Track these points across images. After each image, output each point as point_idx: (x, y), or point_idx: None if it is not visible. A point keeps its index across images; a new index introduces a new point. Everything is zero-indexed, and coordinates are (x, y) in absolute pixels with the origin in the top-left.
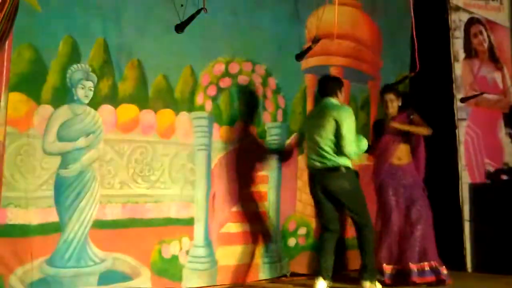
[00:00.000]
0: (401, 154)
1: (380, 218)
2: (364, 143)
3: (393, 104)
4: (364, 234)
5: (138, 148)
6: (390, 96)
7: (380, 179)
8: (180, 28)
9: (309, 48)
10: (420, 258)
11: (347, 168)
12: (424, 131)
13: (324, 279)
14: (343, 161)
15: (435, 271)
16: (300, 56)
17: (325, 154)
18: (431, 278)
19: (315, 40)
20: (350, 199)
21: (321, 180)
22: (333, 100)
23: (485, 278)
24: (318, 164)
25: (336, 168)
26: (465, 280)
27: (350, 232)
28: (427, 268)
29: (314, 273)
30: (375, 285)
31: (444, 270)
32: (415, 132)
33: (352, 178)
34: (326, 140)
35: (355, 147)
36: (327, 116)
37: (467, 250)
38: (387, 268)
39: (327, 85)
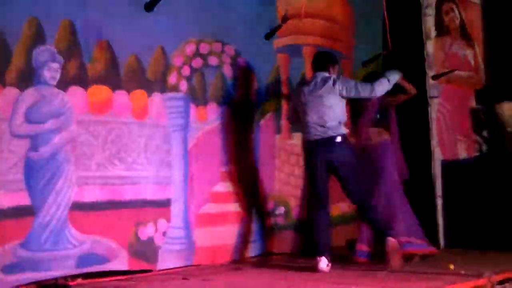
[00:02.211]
0: (372, 134)
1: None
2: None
3: None
4: (369, 213)
5: (113, 129)
6: None
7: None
8: (149, 6)
9: (278, 27)
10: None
11: (345, 138)
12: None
13: (326, 256)
14: (342, 131)
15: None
16: (269, 35)
17: (327, 124)
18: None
19: (284, 19)
20: (351, 171)
21: (323, 151)
22: (325, 74)
23: (457, 253)
24: (319, 134)
25: (336, 138)
26: (436, 255)
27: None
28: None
29: (311, 252)
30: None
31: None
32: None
33: (351, 149)
34: (330, 111)
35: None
36: (324, 86)
37: (439, 226)
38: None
39: (320, 59)
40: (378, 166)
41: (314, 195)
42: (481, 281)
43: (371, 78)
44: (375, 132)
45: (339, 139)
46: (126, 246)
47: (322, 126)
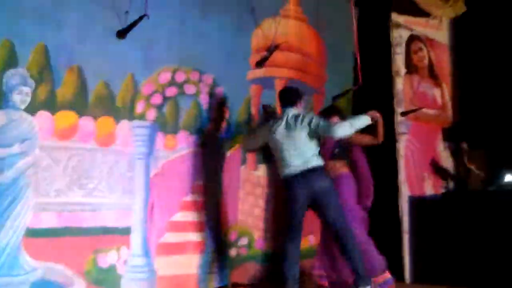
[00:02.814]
0: (334, 165)
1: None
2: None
3: (334, 118)
4: (347, 239)
5: (75, 155)
6: (333, 119)
7: None
8: (121, 34)
9: (266, 57)
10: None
11: (323, 169)
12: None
13: None
14: (320, 162)
15: None
16: (259, 64)
17: (306, 155)
18: None
19: (271, 49)
20: (331, 199)
21: (304, 183)
22: (294, 110)
23: None
24: (299, 167)
25: (315, 169)
26: None
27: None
28: None
29: (279, 283)
30: None
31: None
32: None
33: (330, 180)
34: (304, 143)
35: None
36: (296, 122)
37: (405, 261)
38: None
39: (289, 95)
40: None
41: (289, 227)
42: None
43: (327, 112)
44: (333, 165)
45: (319, 169)
46: (83, 273)
47: (301, 159)
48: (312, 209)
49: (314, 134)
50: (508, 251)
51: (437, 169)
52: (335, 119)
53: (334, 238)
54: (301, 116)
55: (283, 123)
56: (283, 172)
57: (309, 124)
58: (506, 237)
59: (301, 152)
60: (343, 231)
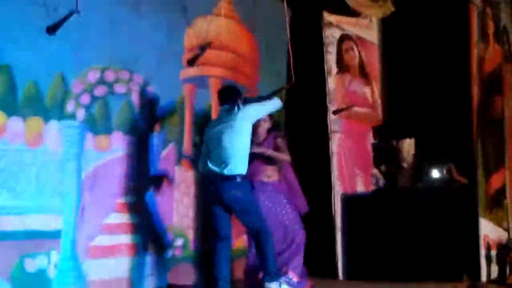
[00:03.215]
0: (270, 173)
1: None
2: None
3: (264, 124)
4: (264, 238)
5: (2, 157)
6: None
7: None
8: (51, 30)
9: (198, 55)
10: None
11: (243, 177)
12: (283, 157)
13: None
14: (240, 171)
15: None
16: (191, 62)
17: (225, 162)
18: None
19: (204, 47)
20: (245, 207)
21: (216, 187)
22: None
23: (355, 285)
24: (216, 169)
25: (231, 177)
26: (335, 287)
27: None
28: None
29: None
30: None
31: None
32: (273, 158)
33: (246, 188)
34: (231, 149)
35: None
36: (229, 124)
37: (338, 258)
38: None
39: (228, 93)
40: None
41: (212, 227)
42: None
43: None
44: (273, 170)
45: (234, 177)
46: (9, 278)
47: (220, 161)
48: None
49: (250, 121)
50: (435, 246)
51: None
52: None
53: (254, 240)
54: (235, 117)
55: (220, 121)
56: (201, 167)
57: (249, 108)
58: (433, 233)
59: (224, 153)
60: (260, 235)
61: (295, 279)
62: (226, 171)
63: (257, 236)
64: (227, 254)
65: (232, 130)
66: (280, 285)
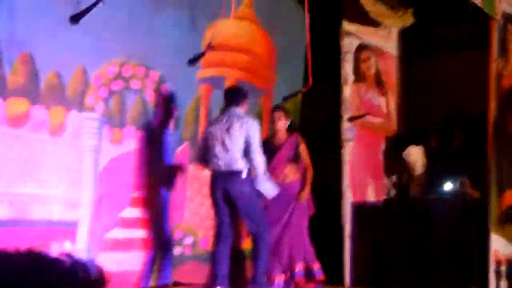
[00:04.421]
0: (288, 172)
1: None
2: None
3: (281, 122)
4: (259, 244)
5: (27, 145)
6: (279, 114)
7: None
8: (75, 18)
9: (202, 54)
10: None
11: (249, 172)
12: (311, 175)
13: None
14: (246, 165)
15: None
16: (192, 62)
17: (232, 157)
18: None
19: (208, 47)
20: (248, 205)
21: (223, 183)
22: (239, 110)
23: None
24: (222, 166)
25: (239, 172)
26: None
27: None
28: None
29: (209, 282)
30: None
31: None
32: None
33: (252, 183)
34: (234, 144)
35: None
36: (236, 122)
37: (345, 266)
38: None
39: (234, 94)
40: (291, 204)
41: (216, 225)
42: None
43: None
44: (291, 170)
45: (241, 172)
46: None
47: (226, 158)
48: (233, 210)
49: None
50: (444, 258)
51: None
52: (280, 114)
53: (252, 241)
54: (244, 120)
55: (224, 119)
56: (209, 167)
57: (246, 137)
58: (443, 243)
59: (229, 151)
60: (258, 239)
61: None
62: (234, 166)
63: (255, 239)
64: (227, 252)
65: (239, 126)
66: None
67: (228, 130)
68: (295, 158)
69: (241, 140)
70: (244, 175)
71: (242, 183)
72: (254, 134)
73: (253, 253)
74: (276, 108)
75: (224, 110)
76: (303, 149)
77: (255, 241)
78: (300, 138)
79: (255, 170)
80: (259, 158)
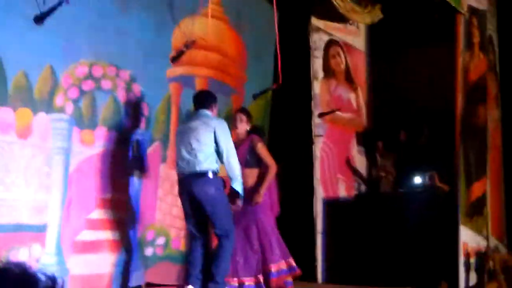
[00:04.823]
0: (247, 177)
1: None
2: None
3: (242, 124)
4: (225, 244)
5: None
6: (241, 116)
7: None
8: (39, 19)
9: (182, 52)
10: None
11: (215, 174)
12: (271, 175)
13: (194, 286)
14: (212, 166)
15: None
16: (174, 59)
17: (197, 159)
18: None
19: (188, 45)
20: (214, 206)
21: (189, 185)
22: (208, 113)
23: None
24: (187, 169)
25: (204, 173)
26: None
27: None
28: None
29: (184, 281)
30: None
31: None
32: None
33: (218, 185)
34: (201, 146)
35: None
36: (205, 124)
37: (318, 262)
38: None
39: (204, 98)
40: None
41: (188, 226)
42: None
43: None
44: (251, 174)
45: (206, 174)
46: None
47: (191, 160)
48: (201, 212)
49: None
50: (415, 252)
51: (352, 169)
52: (242, 116)
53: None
54: (212, 123)
55: (192, 122)
56: (176, 167)
57: (215, 139)
58: (413, 239)
59: (193, 154)
60: (223, 239)
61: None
62: (197, 168)
63: (220, 239)
64: (201, 252)
65: (204, 128)
66: None
67: (194, 132)
68: (257, 162)
69: (209, 143)
70: (210, 176)
71: (205, 185)
72: (223, 136)
73: (216, 252)
74: (240, 110)
75: (193, 114)
76: (260, 149)
77: (221, 241)
78: (256, 139)
79: (231, 173)
80: (233, 160)
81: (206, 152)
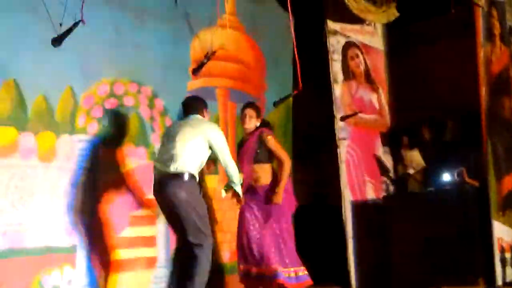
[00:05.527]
0: (260, 173)
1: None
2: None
3: (251, 120)
4: (197, 256)
5: (17, 173)
6: (250, 112)
7: None
8: (57, 41)
9: (203, 63)
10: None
11: (191, 176)
12: (286, 172)
13: None
14: (190, 169)
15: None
16: (195, 71)
17: (175, 160)
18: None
19: (209, 56)
20: (184, 210)
21: (162, 186)
22: (200, 117)
23: None
24: (162, 169)
25: (178, 175)
26: None
27: (231, 257)
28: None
29: None
30: None
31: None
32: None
33: (192, 189)
34: (184, 148)
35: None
36: (193, 128)
37: (351, 267)
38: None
39: (194, 103)
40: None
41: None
42: None
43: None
44: (256, 171)
45: (179, 176)
46: None
47: (167, 162)
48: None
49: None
50: (449, 251)
51: (381, 167)
52: (251, 112)
53: (187, 250)
54: (206, 127)
55: (182, 123)
56: (153, 167)
57: (209, 145)
58: (446, 237)
59: (175, 153)
60: (194, 247)
61: None
62: (172, 168)
63: (194, 249)
64: (177, 255)
65: (190, 131)
66: None
67: (179, 135)
68: (268, 157)
69: (193, 146)
70: (185, 179)
71: (178, 187)
72: (217, 141)
73: (190, 266)
74: (248, 105)
75: (182, 119)
76: (271, 143)
77: (194, 251)
78: (266, 132)
79: (230, 179)
80: (230, 164)
81: (187, 154)
